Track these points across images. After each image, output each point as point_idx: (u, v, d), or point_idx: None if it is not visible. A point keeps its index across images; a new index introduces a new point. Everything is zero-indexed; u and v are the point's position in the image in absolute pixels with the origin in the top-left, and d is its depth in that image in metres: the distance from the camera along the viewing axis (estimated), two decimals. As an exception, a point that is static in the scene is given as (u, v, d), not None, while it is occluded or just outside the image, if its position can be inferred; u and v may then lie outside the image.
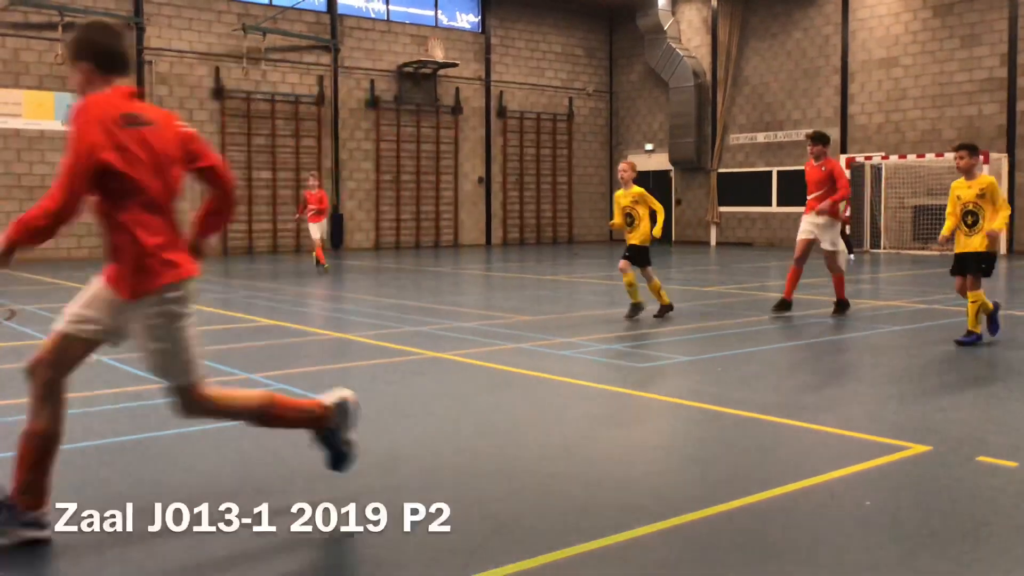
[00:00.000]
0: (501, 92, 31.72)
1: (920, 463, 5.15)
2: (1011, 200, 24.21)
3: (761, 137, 30.27)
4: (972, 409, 6.55)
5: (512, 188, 32.05)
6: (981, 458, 5.16)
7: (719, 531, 4.16)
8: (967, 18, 25.49)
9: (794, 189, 29.23)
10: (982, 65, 25.25)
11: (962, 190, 9.09)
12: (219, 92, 26.13)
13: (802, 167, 29.00)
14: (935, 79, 26.14)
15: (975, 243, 8.96)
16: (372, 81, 28.92)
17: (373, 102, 28.84)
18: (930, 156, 24.81)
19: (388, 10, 29.54)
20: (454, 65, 29.75)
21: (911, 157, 25.19)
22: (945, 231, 9.20)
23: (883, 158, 25.75)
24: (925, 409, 6.59)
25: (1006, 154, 24.40)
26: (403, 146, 29.64)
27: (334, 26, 28.15)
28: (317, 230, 18.89)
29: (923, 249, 24.89)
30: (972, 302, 9.03)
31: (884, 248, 25.58)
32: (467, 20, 31.27)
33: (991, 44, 25.05)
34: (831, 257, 11.62)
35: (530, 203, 32.65)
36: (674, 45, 31.88)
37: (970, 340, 9.04)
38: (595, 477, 4.96)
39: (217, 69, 26.11)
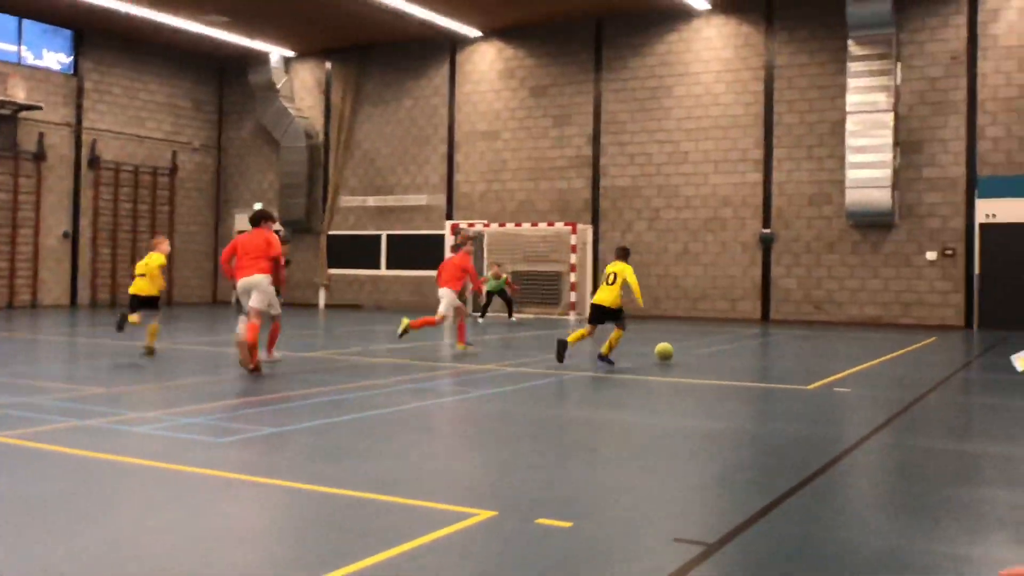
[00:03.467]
0: (94, 140, 29.35)
1: (486, 529, 5.13)
2: (595, 268, 26.32)
3: (372, 200, 30.56)
4: (536, 471, 6.63)
5: (104, 245, 29.58)
6: (540, 520, 5.25)
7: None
8: (558, 100, 27.60)
9: (403, 253, 29.76)
10: (571, 143, 27.40)
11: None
12: None
13: (411, 231, 29.73)
14: (531, 153, 27.94)
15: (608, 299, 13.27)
16: (-63, 118, 25.53)
17: (-62, 142, 25.42)
18: (527, 225, 26.34)
19: (-40, 41, 26.34)
20: (38, 108, 27.10)
21: (510, 225, 26.59)
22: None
23: (485, 225, 26.94)
24: (493, 474, 6.63)
25: (591, 225, 26.53)
26: (-25, 193, 26.35)
27: None
28: None
29: (520, 312, 26.21)
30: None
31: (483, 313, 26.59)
32: (57, 60, 28.69)
33: (579, 125, 27.28)
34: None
35: (124, 261, 30.28)
36: (287, 104, 31.45)
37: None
38: (148, 574, 4.24)
39: None
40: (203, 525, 5.24)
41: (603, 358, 13.16)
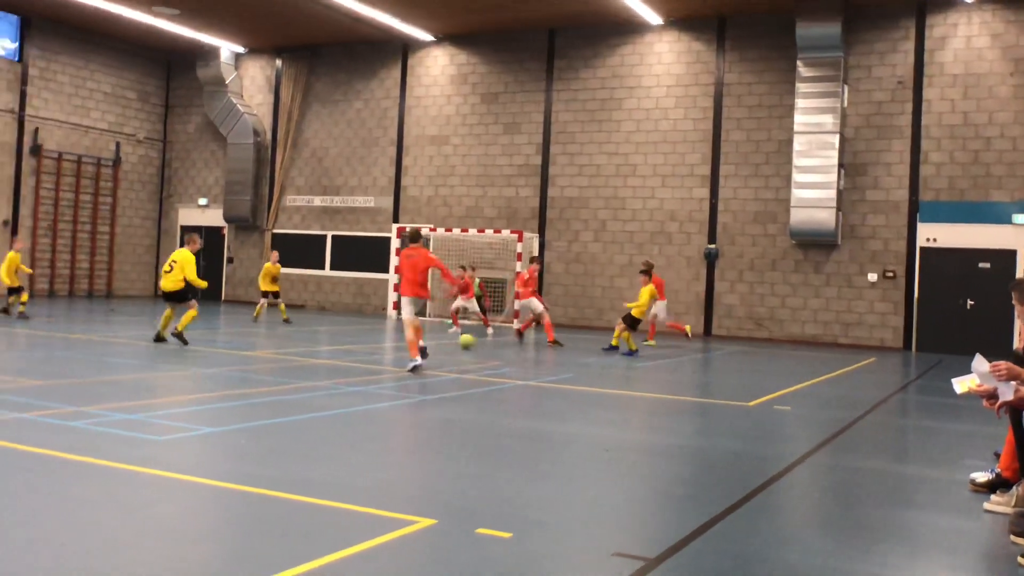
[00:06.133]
0: (37, 128, 28.69)
1: (426, 537, 5.10)
2: (540, 277, 26.34)
3: (318, 200, 30.29)
4: (477, 480, 6.61)
5: (43, 235, 28.94)
6: (481, 530, 5.24)
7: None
8: (510, 107, 27.62)
9: (347, 254, 29.54)
10: (521, 152, 27.42)
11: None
12: None
13: (357, 233, 29.49)
14: (480, 160, 27.92)
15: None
16: None
17: None
18: (473, 231, 26.30)
19: (-102, 20, 25.58)
20: (-20, 92, 26.44)
21: (456, 231, 26.52)
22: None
23: (432, 230, 26.84)
24: (434, 481, 6.60)
25: (537, 234, 26.57)
26: (-92, 177, 25.60)
27: None
28: None
29: (465, 318, 26.11)
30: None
31: (430, 316, 26.49)
32: (1, 46, 27.99)
33: (529, 134, 27.32)
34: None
35: (64, 251, 29.68)
36: (235, 100, 31.05)
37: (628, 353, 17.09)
38: (79, 573, 4.12)
39: None
40: (138, 524, 5.11)
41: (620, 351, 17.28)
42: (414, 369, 12.92)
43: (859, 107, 23.65)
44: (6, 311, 19.87)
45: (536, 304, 19.73)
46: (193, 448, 7.37)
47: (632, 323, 17.69)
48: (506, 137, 27.66)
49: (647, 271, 18.12)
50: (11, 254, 20.14)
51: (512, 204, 27.44)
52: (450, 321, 22.95)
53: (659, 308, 20.40)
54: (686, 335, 21.86)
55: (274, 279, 22.81)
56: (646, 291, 17.83)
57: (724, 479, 7.14)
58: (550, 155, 27.01)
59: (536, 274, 20.79)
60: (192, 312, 15.39)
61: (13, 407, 8.52)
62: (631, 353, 17.50)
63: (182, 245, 18.91)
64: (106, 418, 8.21)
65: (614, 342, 18.15)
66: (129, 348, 14.75)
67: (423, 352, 13.30)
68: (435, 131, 28.63)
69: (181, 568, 4.47)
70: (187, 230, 32.17)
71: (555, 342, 18.98)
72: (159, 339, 15.41)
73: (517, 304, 20.84)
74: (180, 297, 15.41)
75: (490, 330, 22.04)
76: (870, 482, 7.39)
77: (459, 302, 22.42)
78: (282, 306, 23.04)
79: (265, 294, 22.78)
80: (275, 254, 23.30)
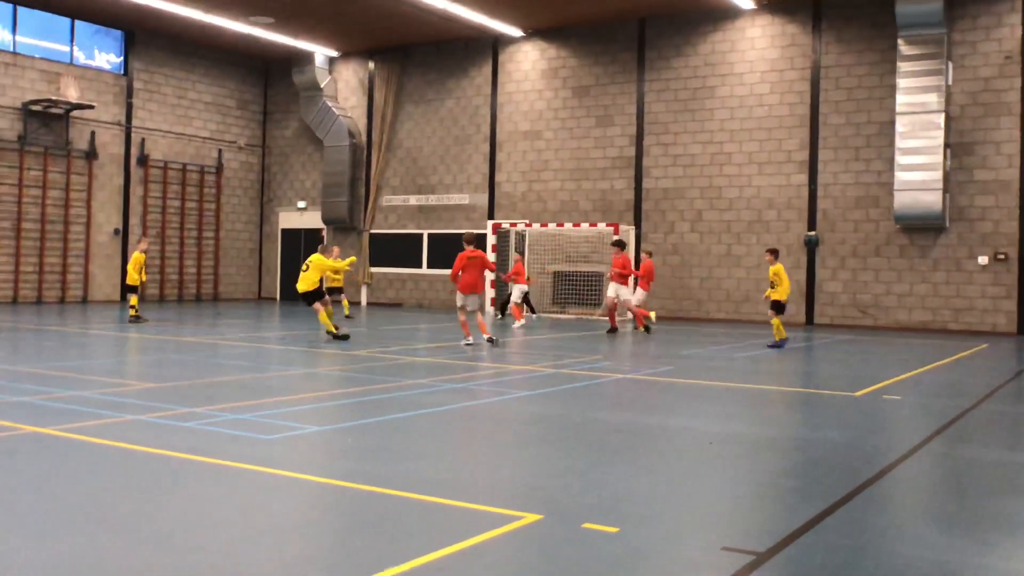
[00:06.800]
0: (143, 139, 29.76)
1: (532, 532, 5.11)
2: (637, 267, 26.21)
3: (413, 200, 30.67)
4: (582, 475, 6.61)
5: (152, 242, 30.00)
6: (587, 524, 5.23)
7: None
8: (601, 100, 27.50)
9: (444, 252, 29.84)
10: (614, 144, 27.28)
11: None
12: None
13: (452, 230, 29.76)
14: (573, 154, 27.87)
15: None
16: (-9, 117, 26.03)
17: (-9, 141, 25.89)
18: (568, 225, 26.27)
19: (15, 40, 26.79)
20: (90, 107, 27.53)
21: (552, 225, 26.54)
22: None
23: (527, 225, 26.92)
24: (539, 477, 6.61)
25: (634, 226, 26.40)
26: (27, 191, 26.82)
27: (-55, 52, 25.05)
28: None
29: (562, 313, 26.19)
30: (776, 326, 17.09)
31: (526, 312, 26.60)
32: (107, 60, 29.12)
33: (622, 125, 27.16)
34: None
35: (172, 258, 30.73)
36: (330, 104, 31.66)
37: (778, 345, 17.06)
38: (199, 570, 4.28)
39: None
40: (251, 522, 5.28)
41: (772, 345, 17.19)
42: (491, 342, 16.08)
43: (965, 84, 22.83)
44: (136, 318, 20.42)
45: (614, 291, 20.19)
46: (300, 447, 7.56)
47: (779, 308, 17.19)
48: (599, 130, 27.55)
49: (772, 252, 17.53)
50: (136, 254, 21.10)
51: (607, 197, 27.32)
52: (513, 316, 22.90)
53: (632, 293, 20.70)
54: (645, 327, 20.29)
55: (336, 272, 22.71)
56: (776, 269, 17.20)
57: (832, 471, 7.00)
58: (644, 146, 26.81)
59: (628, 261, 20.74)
60: (325, 310, 16.70)
61: (131, 409, 8.86)
62: (781, 343, 17.22)
63: (309, 248, 20.30)
64: (217, 418, 8.47)
65: (780, 335, 17.19)
66: (237, 349, 15.19)
67: (492, 341, 16.05)
68: (527, 126, 28.69)
69: (290, 564, 4.59)
70: (287, 233, 32.96)
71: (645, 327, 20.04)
72: (337, 337, 16.55)
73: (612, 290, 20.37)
74: (313, 297, 16.88)
75: (522, 321, 22.05)
76: (985, 472, 7.16)
77: (516, 292, 22.88)
78: (345, 301, 23.03)
79: (331, 290, 22.14)
80: (336, 249, 23.02)
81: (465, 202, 29.69)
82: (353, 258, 20.40)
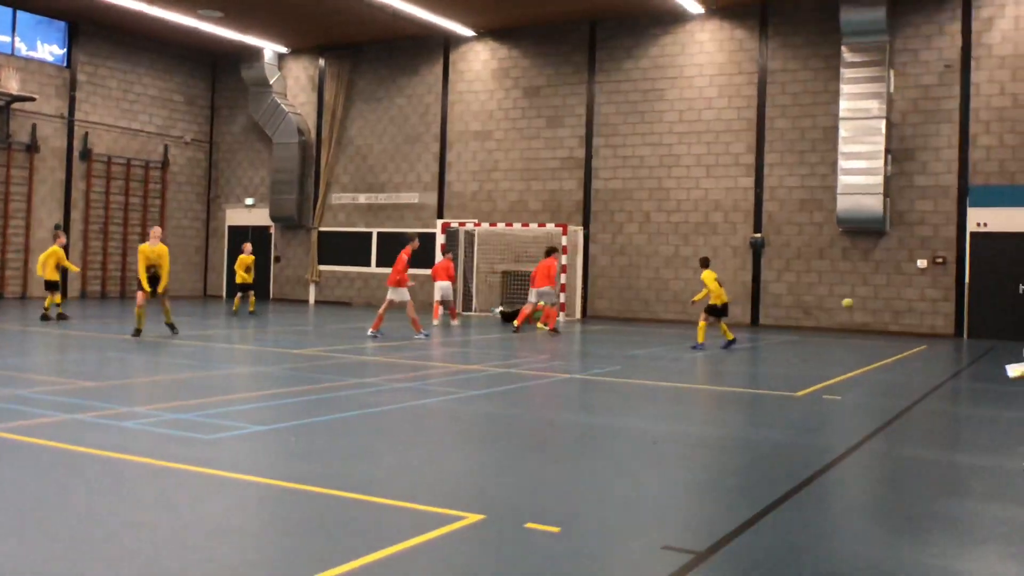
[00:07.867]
0: (87, 133, 29.23)
1: (474, 532, 5.12)
2: (585, 269, 26.35)
3: (363, 198, 30.51)
4: (525, 475, 6.65)
5: (94, 237, 29.48)
6: (529, 524, 5.25)
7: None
8: (552, 101, 27.59)
9: (393, 250, 29.69)
10: (564, 145, 27.38)
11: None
12: None
13: (402, 229, 29.69)
14: (523, 154, 27.92)
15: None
16: (-72, 108, 25.38)
17: (-72, 132, 25.24)
18: (517, 225, 26.30)
19: (-48, 31, 26.17)
20: (32, 99, 26.98)
21: (501, 225, 26.56)
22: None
23: (476, 225, 26.90)
24: (482, 477, 6.64)
25: (582, 227, 26.52)
26: (-35, 184, 26.20)
27: None
28: None
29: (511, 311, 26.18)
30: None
31: (475, 311, 26.61)
32: (50, 52, 28.55)
33: (572, 127, 27.27)
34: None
35: (115, 254, 30.21)
36: (279, 100, 31.37)
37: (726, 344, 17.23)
38: (139, 571, 4.22)
39: None
40: (191, 524, 5.21)
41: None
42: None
43: (906, 92, 23.28)
44: (45, 317, 19.25)
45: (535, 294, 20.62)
46: (242, 447, 7.48)
47: (716, 312, 17.22)
48: (549, 131, 27.63)
49: (702, 260, 17.95)
50: (54, 247, 20.00)
51: (556, 197, 27.42)
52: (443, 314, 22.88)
53: (544, 294, 20.51)
54: (553, 328, 20.45)
55: (247, 270, 23.07)
56: (707, 276, 17.41)
57: (773, 470, 7.10)
58: (593, 147, 26.94)
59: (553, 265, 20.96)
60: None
61: (68, 408, 8.71)
62: (701, 346, 17.29)
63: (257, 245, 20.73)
64: (158, 418, 8.36)
65: (729, 336, 17.32)
66: (180, 348, 14.99)
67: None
68: (478, 126, 28.69)
69: (231, 567, 4.55)
70: (234, 230, 32.59)
71: (554, 330, 20.34)
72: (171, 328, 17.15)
73: (534, 296, 20.51)
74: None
75: (455, 321, 22.10)
76: (923, 471, 7.31)
77: (435, 291, 22.20)
78: (251, 297, 23.26)
79: (241, 286, 23.04)
80: (248, 245, 23.53)
81: (415, 201, 29.60)
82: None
